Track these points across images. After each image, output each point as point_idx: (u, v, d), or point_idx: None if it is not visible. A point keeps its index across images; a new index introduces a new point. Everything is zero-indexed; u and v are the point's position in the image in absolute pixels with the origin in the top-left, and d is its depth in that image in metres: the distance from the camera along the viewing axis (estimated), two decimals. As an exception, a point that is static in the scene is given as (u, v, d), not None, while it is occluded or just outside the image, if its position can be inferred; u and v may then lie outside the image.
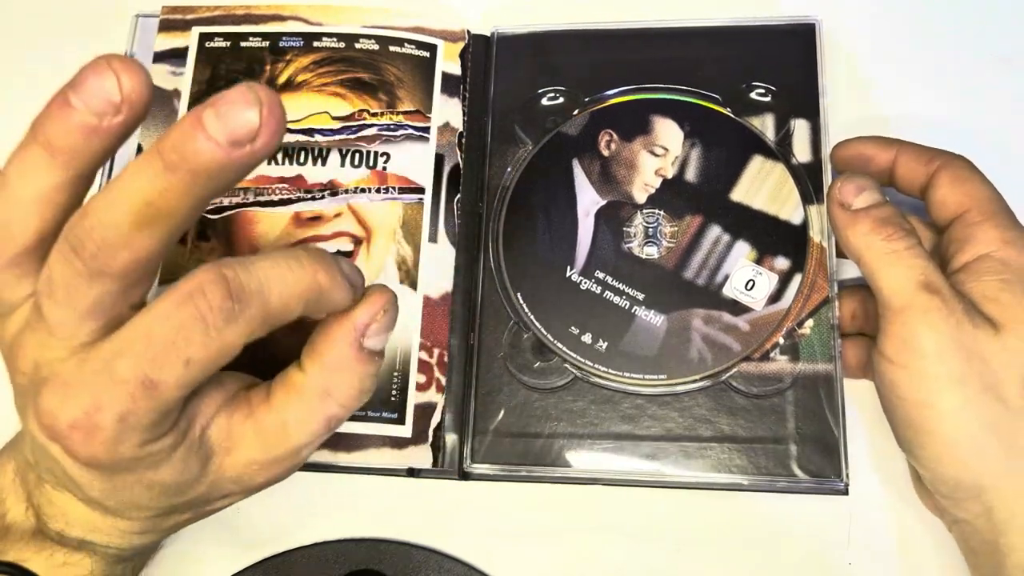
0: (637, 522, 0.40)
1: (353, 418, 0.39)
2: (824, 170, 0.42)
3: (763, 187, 0.43)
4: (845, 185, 0.37)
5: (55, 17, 0.49)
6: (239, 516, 0.41)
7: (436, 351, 0.41)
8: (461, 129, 0.44)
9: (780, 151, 0.43)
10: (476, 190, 0.44)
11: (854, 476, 0.39)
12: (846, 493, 0.39)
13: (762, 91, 0.44)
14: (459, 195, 0.43)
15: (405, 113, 0.44)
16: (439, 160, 0.43)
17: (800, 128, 0.43)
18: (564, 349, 0.41)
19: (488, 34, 0.46)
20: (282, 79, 0.44)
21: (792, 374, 0.40)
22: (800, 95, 0.43)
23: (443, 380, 0.41)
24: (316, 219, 0.42)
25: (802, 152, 0.43)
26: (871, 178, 0.37)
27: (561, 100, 0.45)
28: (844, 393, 0.39)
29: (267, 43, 0.45)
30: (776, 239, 0.42)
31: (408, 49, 0.45)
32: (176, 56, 0.45)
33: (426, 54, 0.45)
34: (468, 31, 0.46)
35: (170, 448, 0.29)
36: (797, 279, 0.41)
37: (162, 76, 0.44)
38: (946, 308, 0.34)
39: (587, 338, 0.41)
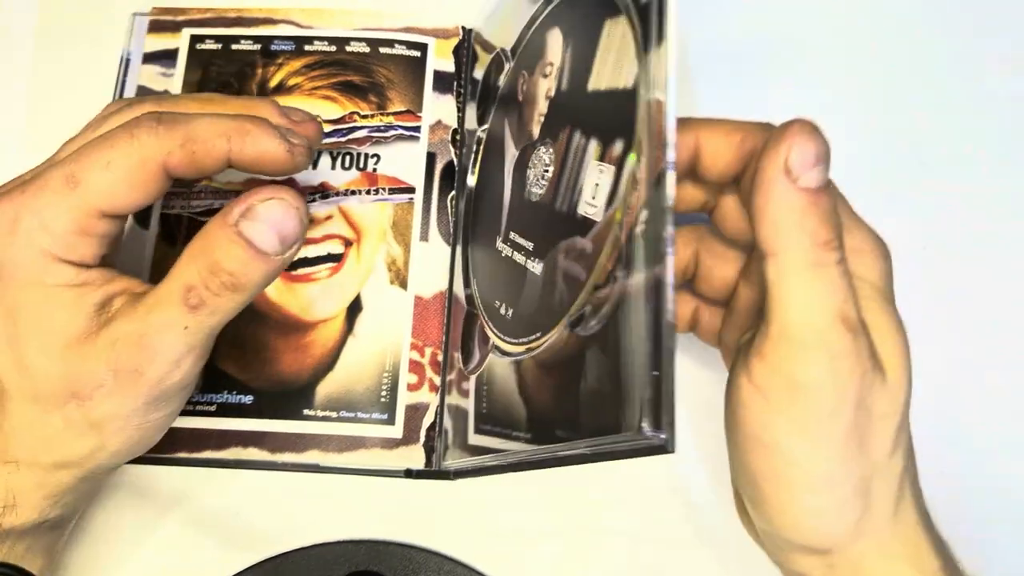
0: (637, 522, 0.40)
1: (342, 419, 0.40)
2: None
3: (609, 59, 0.32)
4: (805, 145, 0.27)
5: (53, 15, 0.50)
6: (239, 517, 0.41)
7: (428, 350, 0.41)
8: (455, 126, 0.44)
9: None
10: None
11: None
12: (669, 450, 0.25)
13: None
14: (453, 192, 0.43)
15: (395, 114, 0.44)
16: (431, 159, 0.43)
17: None
18: (492, 327, 0.37)
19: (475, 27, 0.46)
20: (273, 82, 0.44)
21: (620, 295, 0.28)
22: None
23: (436, 380, 0.41)
24: (306, 221, 0.42)
25: None
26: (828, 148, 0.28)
27: (507, 64, 0.40)
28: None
29: (258, 46, 0.45)
30: (612, 118, 0.30)
31: (399, 50, 0.45)
32: (167, 57, 0.45)
33: (416, 53, 0.45)
34: (463, 27, 0.46)
35: (82, 270, 0.31)
36: (629, 163, 0.28)
37: (152, 77, 0.44)
38: (856, 355, 0.27)
39: (503, 309, 0.36)
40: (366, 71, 0.44)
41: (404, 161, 0.43)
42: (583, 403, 0.29)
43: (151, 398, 0.31)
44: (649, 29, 0.29)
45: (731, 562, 0.39)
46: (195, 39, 0.45)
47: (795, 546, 0.31)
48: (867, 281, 0.29)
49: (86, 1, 0.49)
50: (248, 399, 0.40)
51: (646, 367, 0.25)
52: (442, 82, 0.45)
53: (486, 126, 0.42)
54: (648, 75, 0.28)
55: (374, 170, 0.43)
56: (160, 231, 0.42)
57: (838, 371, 0.27)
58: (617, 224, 0.29)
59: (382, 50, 0.45)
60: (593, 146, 0.32)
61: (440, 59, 0.45)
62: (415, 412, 0.40)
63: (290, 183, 0.43)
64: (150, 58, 0.45)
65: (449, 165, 0.44)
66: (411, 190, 0.43)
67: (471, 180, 0.43)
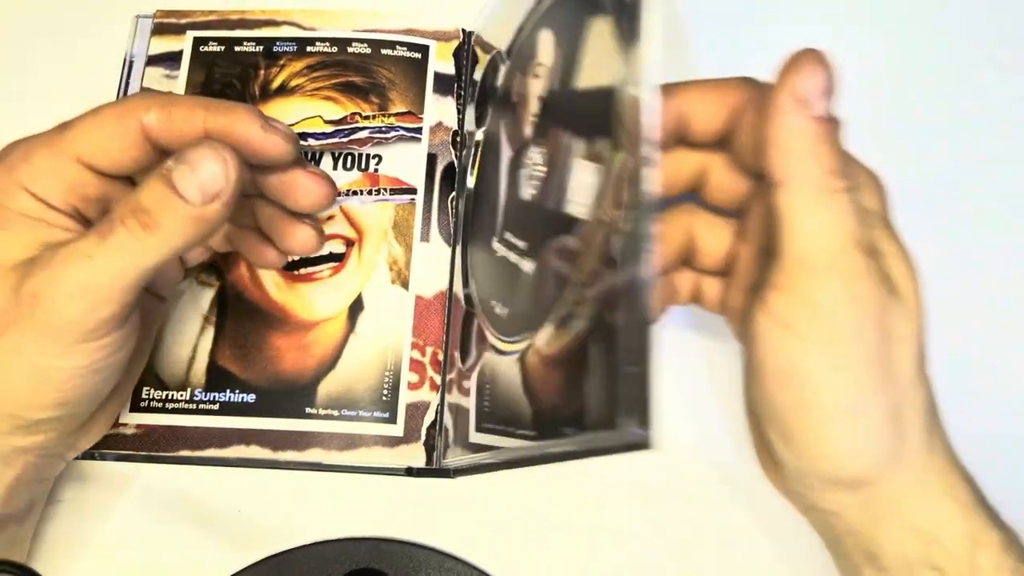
0: (637, 521, 0.40)
1: (344, 418, 0.40)
2: None
3: (594, 58, 0.31)
4: (814, 75, 0.27)
5: (56, 16, 0.50)
6: (240, 515, 0.41)
7: (429, 350, 0.41)
8: (456, 128, 0.45)
9: None
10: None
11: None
12: (650, 446, 0.25)
13: None
14: (454, 193, 0.44)
15: (397, 115, 0.44)
16: (431, 160, 0.44)
17: None
18: (489, 325, 0.37)
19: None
20: (275, 84, 0.45)
21: (608, 292, 0.28)
22: None
23: (437, 379, 0.41)
24: (309, 221, 0.43)
25: None
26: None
27: (503, 65, 0.40)
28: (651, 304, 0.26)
29: (261, 48, 0.45)
30: (596, 117, 0.30)
31: (400, 51, 0.45)
32: (171, 59, 0.45)
33: (418, 55, 0.45)
34: (463, 29, 0.46)
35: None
36: (617, 161, 0.28)
37: (156, 79, 0.45)
38: (872, 276, 0.28)
39: (498, 308, 0.36)
40: (367, 72, 0.45)
41: (405, 162, 0.44)
42: (585, 400, 0.29)
43: (50, 330, 0.30)
44: (631, 26, 0.28)
45: (730, 561, 0.40)
46: (199, 41, 0.45)
47: (829, 480, 0.30)
48: (871, 211, 0.29)
49: (88, 4, 0.50)
50: (251, 398, 0.41)
51: (629, 364, 0.25)
52: (443, 84, 0.45)
53: (484, 128, 0.43)
54: (630, 72, 0.28)
55: (375, 171, 0.43)
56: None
57: (857, 292, 0.27)
58: (603, 222, 0.28)
59: (383, 51, 0.45)
60: (579, 145, 0.31)
61: (441, 61, 0.45)
62: (416, 411, 0.41)
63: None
64: (154, 60, 0.45)
65: (450, 166, 0.44)
66: (412, 191, 0.43)
67: (470, 181, 0.43)
